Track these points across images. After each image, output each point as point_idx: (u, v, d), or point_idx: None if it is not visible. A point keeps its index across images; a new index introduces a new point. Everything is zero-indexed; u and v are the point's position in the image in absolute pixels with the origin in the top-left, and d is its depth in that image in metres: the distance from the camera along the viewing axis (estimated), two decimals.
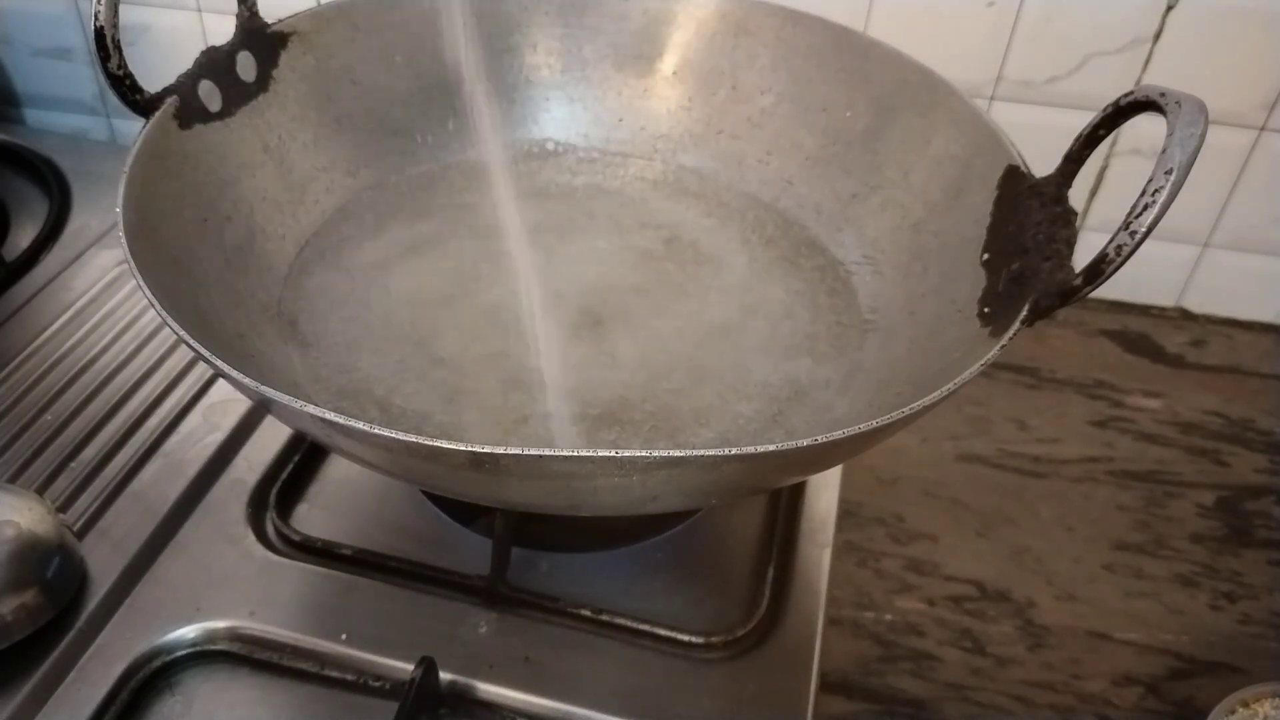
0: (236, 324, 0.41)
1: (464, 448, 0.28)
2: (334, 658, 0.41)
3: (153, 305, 0.32)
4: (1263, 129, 0.61)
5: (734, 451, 0.28)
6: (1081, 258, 0.33)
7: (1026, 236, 0.37)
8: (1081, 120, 0.36)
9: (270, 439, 0.50)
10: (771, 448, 0.28)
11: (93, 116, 0.79)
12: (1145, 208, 0.31)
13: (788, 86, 0.51)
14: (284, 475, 0.48)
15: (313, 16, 0.48)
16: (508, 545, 0.44)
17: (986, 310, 0.38)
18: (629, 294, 0.48)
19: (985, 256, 0.40)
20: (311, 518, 0.47)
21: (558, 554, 0.46)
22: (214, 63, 0.43)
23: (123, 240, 0.35)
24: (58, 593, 0.41)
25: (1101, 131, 0.36)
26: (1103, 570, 0.52)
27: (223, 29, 0.44)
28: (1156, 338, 0.67)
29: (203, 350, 0.31)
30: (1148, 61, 0.60)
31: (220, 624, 0.42)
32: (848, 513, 0.53)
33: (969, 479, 0.56)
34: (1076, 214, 0.36)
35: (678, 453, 0.28)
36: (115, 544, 0.45)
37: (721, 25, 0.53)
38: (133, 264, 0.34)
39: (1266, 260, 0.66)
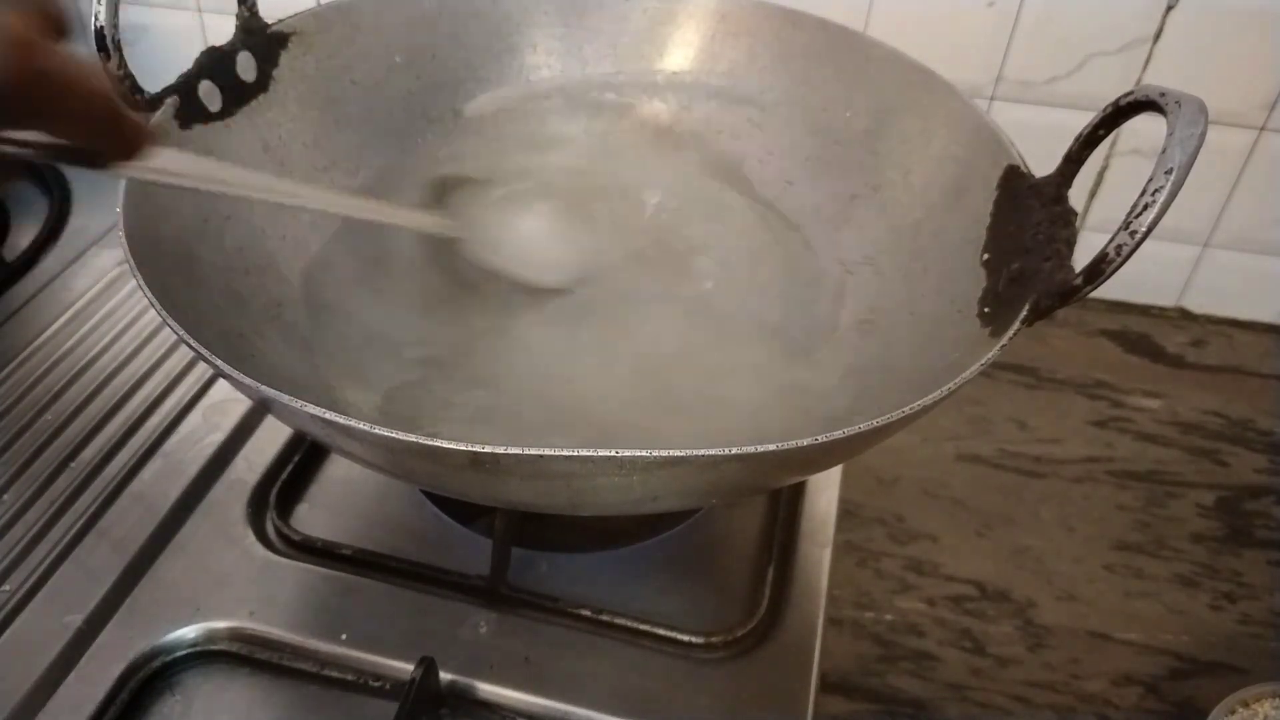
0: (236, 324, 0.41)
1: (464, 447, 0.28)
2: (334, 658, 0.41)
3: (153, 305, 0.32)
4: (1263, 129, 0.61)
5: (734, 451, 0.28)
6: (1081, 258, 0.33)
7: (1026, 236, 0.37)
8: (1081, 120, 0.36)
9: (270, 439, 0.50)
10: (771, 448, 0.28)
11: None
12: (1145, 208, 0.31)
13: (788, 86, 0.51)
14: (284, 475, 0.48)
15: (313, 16, 0.48)
16: (508, 545, 0.44)
17: (986, 310, 0.38)
18: (629, 294, 0.48)
19: (985, 256, 0.40)
20: (311, 518, 0.47)
21: (558, 554, 0.46)
22: (214, 63, 0.43)
23: (122, 240, 0.35)
24: None
25: (1101, 131, 0.36)
26: (1103, 570, 0.52)
27: (223, 29, 0.44)
28: (1156, 338, 0.67)
29: (203, 350, 0.31)
30: (1148, 61, 0.60)
31: (220, 624, 0.42)
32: (848, 513, 0.53)
33: (969, 479, 0.56)
34: (1076, 214, 0.36)
35: (678, 452, 0.28)
36: (115, 544, 0.45)
37: (721, 25, 0.53)
38: (133, 264, 0.34)
39: (1266, 260, 0.66)
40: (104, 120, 0.27)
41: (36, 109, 0.25)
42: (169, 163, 0.32)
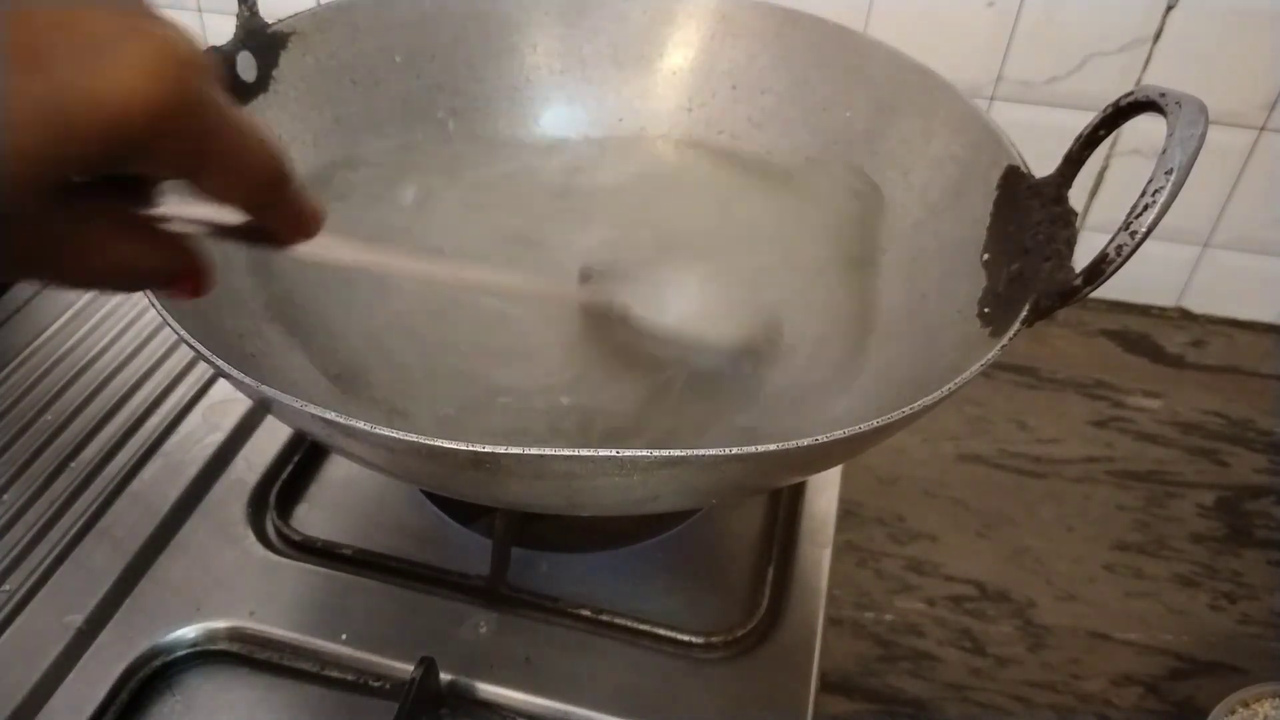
0: (236, 324, 0.41)
1: (465, 447, 0.28)
2: (334, 658, 0.41)
3: (153, 306, 0.32)
4: (1263, 129, 0.61)
5: (734, 451, 0.28)
6: (1081, 258, 0.33)
7: (1026, 237, 0.37)
8: (1081, 120, 0.36)
9: (270, 439, 0.50)
10: (772, 448, 0.28)
11: None
12: (1145, 208, 0.31)
13: (788, 86, 0.51)
14: (284, 475, 0.48)
15: (313, 16, 0.48)
16: (508, 545, 0.44)
17: (986, 310, 0.38)
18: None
19: (985, 256, 0.40)
20: (311, 518, 0.47)
21: (558, 554, 0.46)
22: (214, 63, 0.43)
23: None
24: None
25: (1101, 132, 0.36)
26: (1103, 570, 0.52)
27: (223, 29, 0.44)
28: (1156, 338, 0.67)
29: (203, 350, 0.31)
30: (1148, 61, 0.60)
31: (220, 624, 0.42)
32: (848, 513, 0.53)
33: (969, 479, 0.56)
34: (1076, 214, 0.36)
35: (678, 452, 0.28)
36: (115, 544, 0.45)
37: (721, 25, 0.53)
38: None
39: (1266, 260, 0.66)
40: (274, 185, 0.22)
41: (197, 150, 0.20)
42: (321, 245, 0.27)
